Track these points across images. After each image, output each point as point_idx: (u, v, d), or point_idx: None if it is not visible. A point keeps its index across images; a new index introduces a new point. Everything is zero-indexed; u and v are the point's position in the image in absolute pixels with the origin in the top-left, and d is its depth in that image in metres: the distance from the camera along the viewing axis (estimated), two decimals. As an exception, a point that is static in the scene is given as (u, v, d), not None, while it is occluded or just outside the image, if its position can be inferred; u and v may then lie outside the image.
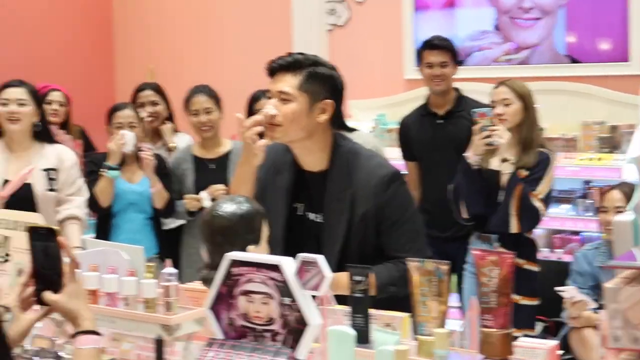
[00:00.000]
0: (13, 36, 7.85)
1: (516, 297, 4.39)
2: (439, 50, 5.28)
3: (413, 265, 2.16)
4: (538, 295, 4.62)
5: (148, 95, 5.77)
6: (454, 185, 4.69)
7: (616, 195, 4.63)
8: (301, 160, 3.14)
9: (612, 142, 6.04)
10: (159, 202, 5.08)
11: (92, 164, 5.16)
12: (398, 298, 2.95)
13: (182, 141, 5.88)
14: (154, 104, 5.72)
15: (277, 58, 3.06)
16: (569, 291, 4.45)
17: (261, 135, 3.03)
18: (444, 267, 2.11)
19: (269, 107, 3.01)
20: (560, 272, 4.96)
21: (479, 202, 4.59)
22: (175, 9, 8.43)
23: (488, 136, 4.47)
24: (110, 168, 4.96)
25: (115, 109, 5.19)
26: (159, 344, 2.24)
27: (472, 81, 6.03)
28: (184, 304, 2.64)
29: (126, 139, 4.98)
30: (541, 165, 4.58)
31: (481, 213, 4.62)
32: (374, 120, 6.92)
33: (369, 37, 7.36)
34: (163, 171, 5.17)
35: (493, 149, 4.54)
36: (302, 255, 2.17)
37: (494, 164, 4.62)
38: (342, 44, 7.51)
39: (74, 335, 2.06)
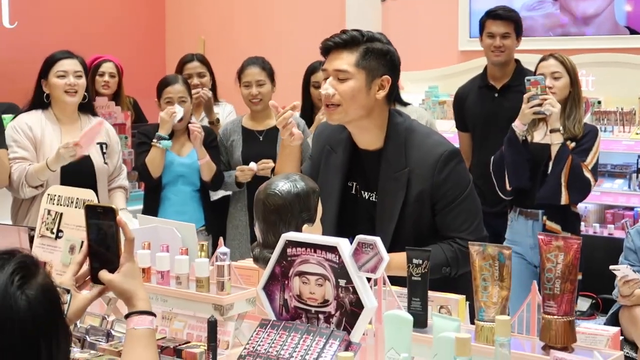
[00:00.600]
0: (66, 9, 7.88)
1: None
2: (502, 21, 5.18)
3: (474, 249, 2.10)
4: (582, 270, 4.55)
5: (195, 66, 5.78)
6: (498, 156, 4.62)
7: None
8: (357, 138, 3.09)
9: (670, 115, 5.91)
10: (207, 174, 5.07)
11: (143, 136, 5.16)
12: (451, 278, 2.91)
13: (225, 111, 5.89)
14: (200, 75, 5.75)
15: (332, 36, 2.99)
16: (622, 269, 4.35)
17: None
18: (507, 251, 2.05)
19: (327, 87, 2.95)
20: (611, 248, 4.89)
21: (524, 174, 4.52)
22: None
23: (539, 104, 4.40)
24: (162, 138, 4.95)
25: (165, 84, 5.16)
26: (212, 325, 2.21)
27: (528, 53, 5.91)
28: (235, 282, 2.61)
29: (177, 110, 4.97)
30: (589, 136, 4.52)
31: (526, 186, 4.53)
32: (426, 92, 6.84)
33: (423, 8, 7.27)
34: (212, 143, 5.16)
35: (541, 118, 4.47)
36: (360, 237, 2.12)
37: (538, 137, 4.55)
38: (396, 15, 7.43)
39: (128, 315, 2.04)
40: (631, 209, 5.92)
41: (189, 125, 5.03)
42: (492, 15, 5.24)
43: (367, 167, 3.07)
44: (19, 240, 2.98)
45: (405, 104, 4.69)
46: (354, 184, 3.11)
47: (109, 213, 2.07)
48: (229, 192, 5.36)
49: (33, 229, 2.96)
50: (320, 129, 3.28)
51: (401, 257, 2.47)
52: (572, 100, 4.56)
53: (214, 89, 5.87)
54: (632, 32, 6.40)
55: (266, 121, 5.24)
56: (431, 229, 3.01)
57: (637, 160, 5.95)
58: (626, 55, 6.31)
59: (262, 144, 5.17)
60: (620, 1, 6.46)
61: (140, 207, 5.20)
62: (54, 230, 2.84)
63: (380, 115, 3.02)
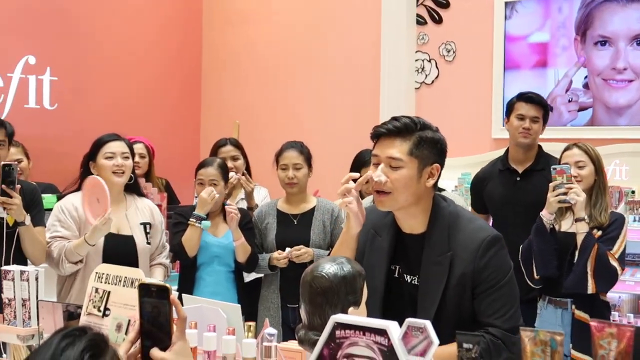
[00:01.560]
0: (104, 91, 8.02)
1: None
2: (533, 105, 5.21)
3: (526, 334, 2.10)
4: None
5: (229, 150, 5.88)
6: (526, 245, 4.62)
7: None
8: (401, 223, 3.11)
9: None
10: (242, 256, 5.09)
11: (179, 216, 5.21)
12: None
13: (259, 194, 5.96)
14: (234, 158, 5.84)
15: (385, 122, 3.01)
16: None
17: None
18: (559, 337, 2.05)
19: (379, 174, 2.97)
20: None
21: (551, 263, 4.53)
22: (266, 65, 8.53)
23: (564, 193, 4.43)
24: (201, 218, 5.00)
25: (200, 166, 5.25)
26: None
27: (559, 142, 5.94)
28: (280, 364, 2.61)
29: (216, 192, 5.03)
30: (616, 224, 4.53)
31: (553, 275, 4.53)
32: (459, 179, 6.87)
33: (456, 94, 7.35)
34: (247, 225, 5.20)
35: (566, 206, 4.50)
36: (409, 320, 2.13)
37: (565, 226, 4.57)
38: (429, 101, 7.51)
39: None
40: (667, 301, 5.88)
41: (226, 206, 5.08)
42: (524, 98, 5.27)
43: (411, 250, 3.09)
44: (53, 317, 3.01)
45: (440, 190, 4.69)
46: (397, 267, 3.12)
47: (163, 292, 2.10)
48: (261, 275, 5.37)
49: (79, 307, 2.99)
50: (367, 211, 3.30)
51: (445, 348, 2.47)
52: (598, 188, 4.58)
53: (248, 172, 5.95)
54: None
55: (301, 205, 5.28)
56: (472, 314, 3.00)
57: (672, 250, 5.93)
58: (659, 145, 6.34)
59: (296, 227, 5.20)
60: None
61: (175, 287, 5.22)
62: (101, 309, 2.86)
63: (427, 201, 3.05)
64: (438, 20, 7.54)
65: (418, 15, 7.62)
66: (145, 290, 2.12)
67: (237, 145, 6.00)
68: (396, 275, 3.12)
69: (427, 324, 2.12)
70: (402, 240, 3.12)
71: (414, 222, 3.07)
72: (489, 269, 2.97)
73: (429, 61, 7.56)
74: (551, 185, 4.50)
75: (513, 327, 2.93)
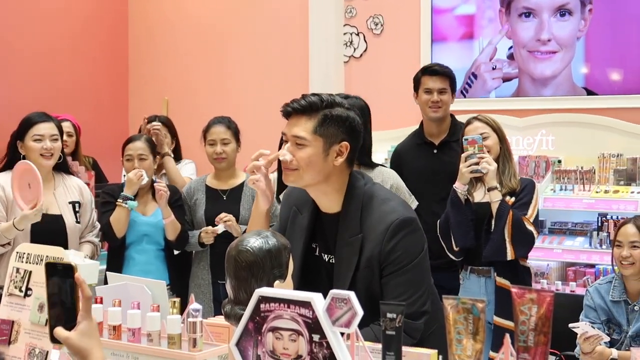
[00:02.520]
0: (31, 67, 7.88)
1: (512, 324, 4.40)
2: (439, 76, 5.19)
3: (449, 302, 2.11)
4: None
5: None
6: (443, 219, 4.67)
7: (630, 230, 4.57)
8: (317, 201, 3.10)
9: (629, 174, 6.01)
10: (172, 234, 5.06)
11: (107, 195, 5.16)
12: (425, 335, 2.92)
13: (187, 169, 5.92)
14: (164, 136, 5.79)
15: (292, 101, 2.98)
16: (581, 326, 4.39)
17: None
18: (480, 304, 2.07)
19: (284, 153, 2.96)
20: (573, 305, 4.91)
21: (469, 234, 4.58)
22: (192, 41, 8.45)
23: (476, 163, 4.48)
24: (128, 198, 4.95)
25: (127, 141, 5.21)
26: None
27: (488, 112, 6.00)
28: (206, 339, 2.60)
29: (144, 172, 4.98)
30: (527, 190, 4.61)
31: (472, 245, 4.59)
32: (388, 151, 6.89)
33: (385, 68, 7.37)
34: (177, 202, 5.16)
35: (477, 177, 4.57)
36: (333, 292, 2.13)
37: (478, 197, 4.64)
38: (358, 75, 7.52)
39: None
40: (592, 266, 5.97)
41: (155, 184, 5.04)
42: (429, 71, 5.26)
43: (328, 229, 3.09)
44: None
45: (374, 166, 4.63)
46: (315, 244, 3.13)
47: (68, 270, 2.06)
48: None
49: (1, 288, 2.94)
50: (289, 190, 3.28)
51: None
52: (504, 156, 4.65)
53: (177, 149, 5.91)
54: (590, 93, 6.52)
55: (230, 180, 5.26)
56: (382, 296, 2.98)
57: (598, 218, 6.02)
58: (585, 115, 6.43)
59: (225, 203, 5.17)
60: (577, 64, 6.59)
61: (104, 267, 5.17)
62: (23, 289, 2.81)
63: (339, 179, 3.02)
64: (370, -6, 7.55)
65: (345, -11, 7.62)
66: (52, 268, 2.09)
67: (166, 123, 5.96)
68: (317, 253, 3.13)
69: (351, 295, 2.12)
70: (320, 219, 3.11)
71: (328, 201, 3.06)
72: (395, 252, 2.94)
73: (357, 35, 7.56)
74: (463, 156, 4.54)
75: (415, 312, 2.94)
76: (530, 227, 4.50)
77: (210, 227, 5.07)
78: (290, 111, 2.96)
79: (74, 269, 2.06)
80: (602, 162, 6.14)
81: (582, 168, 6.14)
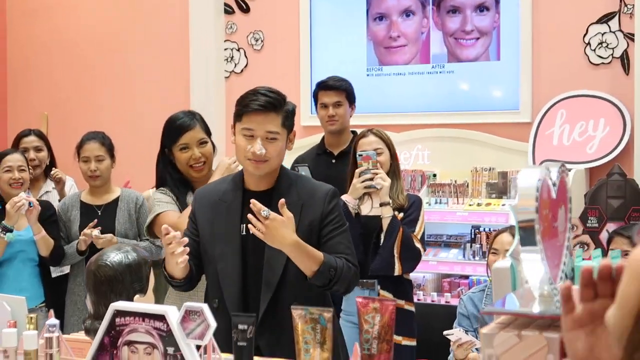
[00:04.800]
0: None
1: (398, 338, 4.50)
2: (333, 91, 5.30)
3: (297, 313, 2.16)
4: (418, 336, 4.71)
5: (31, 140, 5.76)
6: None
7: (506, 238, 4.71)
8: (253, 182, 3.33)
9: (499, 188, 6.17)
10: (44, 250, 4.99)
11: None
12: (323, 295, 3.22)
13: (66, 185, 5.87)
14: (37, 149, 5.70)
15: (256, 98, 3.25)
16: (455, 333, 4.50)
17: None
18: (327, 314, 2.12)
19: (259, 147, 3.19)
20: (448, 316, 5.02)
21: (358, 248, 4.62)
22: (70, 55, 8.33)
23: (370, 179, 4.55)
24: (7, 230, 4.87)
25: (3, 154, 5.13)
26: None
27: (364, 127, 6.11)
28: (67, 355, 2.59)
29: (23, 201, 4.88)
30: (414, 206, 4.69)
31: (360, 259, 4.65)
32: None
33: (266, 83, 7.30)
34: (51, 218, 5.09)
35: (370, 192, 4.62)
36: (187, 305, 2.16)
37: (365, 210, 4.69)
38: (240, 90, 7.41)
39: None
40: (466, 277, 6.11)
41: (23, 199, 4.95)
42: (323, 86, 5.35)
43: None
44: None
45: None
46: (246, 225, 3.21)
47: None
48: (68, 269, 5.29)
49: None
50: (201, 191, 3.49)
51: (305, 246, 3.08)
52: (393, 172, 4.71)
53: (52, 163, 5.83)
54: (464, 108, 6.68)
55: (105, 196, 5.21)
56: None
57: (471, 230, 6.17)
58: (459, 130, 6.58)
59: (100, 218, 5.11)
60: (452, 79, 6.76)
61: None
62: None
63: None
64: (246, 10, 7.57)
65: (226, 5, 7.63)
66: None
67: (41, 135, 5.87)
68: (242, 233, 3.27)
69: (204, 307, 2.15)
70: (248, 198, 3.22)
71: (264, 180, 3.32)
72: (334, 213, 3.30)
73: (238, 50, 7.59)
74: (357, 171, 4.59)
75: (358, 262, 3.36)
76: (418, 244, 4.58)
77: (86, 230, 5.00)
78: (260, 108, 3.22)
79: None
80: (475, 176, 6.30)
81: (455, 182, 6.28)
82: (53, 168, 5.79)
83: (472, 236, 6.14)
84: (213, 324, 2.13)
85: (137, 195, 5.20)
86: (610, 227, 5.36)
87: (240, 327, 2.27)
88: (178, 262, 2.98)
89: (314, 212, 3.27)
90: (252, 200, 3.05)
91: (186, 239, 3.05)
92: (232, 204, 3.32)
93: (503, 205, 6.01)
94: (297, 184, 3.34)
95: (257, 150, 3.18)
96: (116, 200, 5.18)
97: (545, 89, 6.37)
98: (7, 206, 4.87)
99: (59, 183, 5.76)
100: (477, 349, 4.54)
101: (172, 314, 2.17)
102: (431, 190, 6.32)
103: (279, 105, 3.25)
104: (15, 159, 5.11)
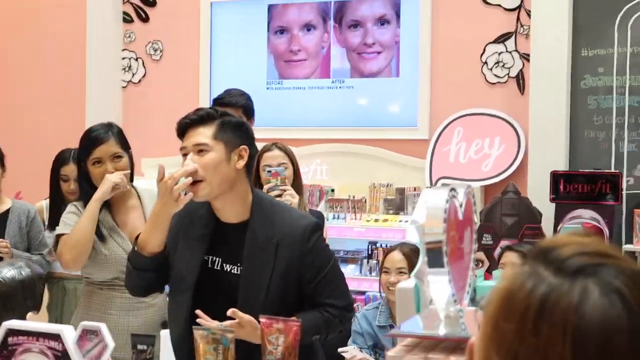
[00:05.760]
0: None
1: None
2: (230, 107, 5.17)
3: (199, 333, 2.12)
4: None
5: None
6: None
7: (397, 256, 4.74)
8: (220, 213, 3.09)
9: (397, 204, 6.23)
10: None
11: None
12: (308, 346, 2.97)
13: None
14: None
15: (187, 115, 3.04)
16: (350, 350, 4.50)
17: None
18: (230, 335, 2.09)
19: (188, 162, 2.95)
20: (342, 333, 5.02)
21: None
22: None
23: (278, 195, 4.50)
24: None
25: None
26: None
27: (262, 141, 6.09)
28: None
29: None
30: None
31: None
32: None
33: (164, 94, 7.32)
34: None
35: None
36: (84, 324, 2.10)
37: None
38: (137, 100, 7.45)
39: None
40: (363, 293, 6.12)
41: None
42: (218, 102, 5.21)
43: (231, 239, 3.08)
44: None
45: None
46: (214, 257, 3.09)
47: None
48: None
49: None
50: (184, 207, 3.20)
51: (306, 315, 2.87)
52: (297, 188, 4.65)
53: None
54: (362, 124, 6.73)
55: (-4, 206, 5.06)
56: (296, 299, 3.06)
57: (368, 246, 6.20)
58: (357, 145, 6.62)
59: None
60: (350, 95, 6.80)
61: None
62: None
63: (242, 186, 3.07)
64: (145, 19, 7.49)
65: (124, 13, 7.53)
66: None
67: None
68: (210, 265, 3.09)
69: (102, 326, 2.09)
70: (221, 230, 3.10)
71: (233, 211, 3.08)
72: (315, 252, 3.05)
73: (136, 60, 7.49)
74: (265, 187, 4.52)
75: (348, 305, 3.15)
76: None
77: None
78: (189, 123, 3.01)
79: None
80: (373, 192, 6.34)
81: (354, 197, 6.31)
82: None
83: (369, 252, 6.18)
84: (111, 344, 2.07)
85: (29, 208, 5.06)
86: (504, 244, 5.44)
87: (140, 347, 2.22)
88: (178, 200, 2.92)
89: (291, 251, 3.02)
90: (198, 312, 2.84)
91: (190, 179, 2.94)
92: (200, 233, 3.11)
93: (400, 221, 6.06)
94: (274, 216, 3.09)
95: (185, 165, 2.96)
96: (7, 212, 5.02)
97: (443, 106, 6.46)
98: None
99: None
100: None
101: (68, 333, 2.10)
102: (329, 206, 6.33)
103: (208, 119, 3.03)
104: None
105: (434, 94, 6.53)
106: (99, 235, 3.80)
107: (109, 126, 3.99)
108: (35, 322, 2.31)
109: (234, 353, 2.09)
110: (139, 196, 4.00)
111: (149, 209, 3.75)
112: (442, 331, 1.77)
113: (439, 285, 1.78)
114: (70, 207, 3.97)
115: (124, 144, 3.98)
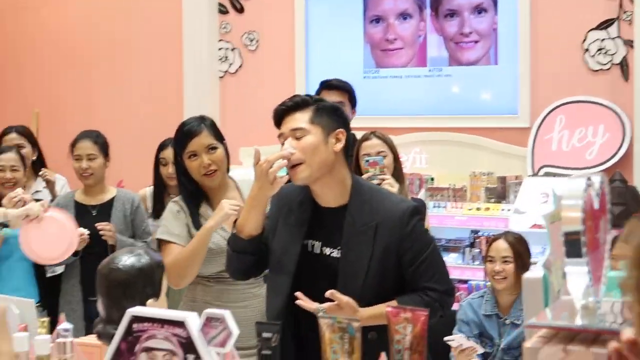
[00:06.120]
0: None
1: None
2: (337, 91, 5.18)
3: (324, 322, 2.11)
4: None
5: (12, 138, 5.65)
6: None
7: (502, 245, 4.70)
8: (320, 197, 3.13)
9: (499, 192, 6.16)
10: None
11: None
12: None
13: (57, 184, 5.79)
14: (19, 147, 5.56)
15: (283, 102, 3.10)
16: (456, 339, 4.48)
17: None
18: (356, 324, 2.07)
19: (287, 147, 3.01)
20: (447, 321, 4.98)
21: None
22: (65, 52, 8.24)
23: (378, 184, 4.47)
24: (3, 225, 4.79)
25: None
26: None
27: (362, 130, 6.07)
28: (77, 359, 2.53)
29: (20, 196, 4.80)
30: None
31: None
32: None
33: (261, 84, 7.36)
34: (45, 216, 5.02)
35: None
36: (208, 311, 2.10)
37: None
38: (234, 90, 7.49)
39: None
40: (465, 282, 6.08)
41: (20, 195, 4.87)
42: (327, 85, 5.22)
43: (330, 223, 3.10)
44: None
45: None
46: (313, 242, 3.13)
47: None
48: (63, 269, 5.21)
49: None
50: (280, 190, 3.23)
51: (373, 309, 2.86)
52: (397, 176, 4.61)
53: (41, 161, 5.74)
54: (463, 112, 6.66)
55: (100, 195, 5.12)
56: (395, 283, 3.06)
57: (470, 234, 6.15)
58: (457, 134, 6.56)
59: (95, 218, 5.01)
60: (450, 83, 6.74)
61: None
62: None
63: (340, 170, 3.10)
64: (240, 9, 7.52)
65: (220, 5, 7.58)
66: None
67: (24, 133, 5.76)
68: (309, 249, 3.13)
69: (226, 314, 2.09)
70: (319, 214, 3.13)
71: (332, 194, 3.11)
72: (414, 236, 3.05)
73: (232, 50, 7.53)
74: (364, 177, 4.50)
75: (448, 289, 3.11)
76: None
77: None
78: (284, 109, 3.08)
79: None
80: (473, 180, 6.28)
81: (454, 186, 6.26)
82: (42, 169, 5.69)
83: (471, 240, 6.11)
84: (235, 331, 2.07)
85: (134, 197, 5.13)
86: (612, 233, 5.33)
87: (265, 335, 2.22)
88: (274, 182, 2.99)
89: (390, 235, 3.03)
90: (298, 294, 2.92)
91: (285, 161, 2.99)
92: (300, 218, 3.14)
93: (502, 210, 5.99)
94: (373, 201, 3.09)
95: (284, 150, 3.01)
96: (111, 201, 5.10)
97: (543, 93, 6.36)
98: (4, 201, 4.79)
99: (49, 184, 5.66)
100: (478, 355, 4.52)
101: (192, 320, 2.11)
102: (429, 194, 6.28)
103: (303, 105, 3.08)
104: (8, 158, 5.04)
105: (534, 81, 6.43)
106: None
107: (202, 119, 3.97)
108: (159, 309, 2.33)
109: (360, 342, 2.08)
110: (237, 187, 3.98)
111: None
112: (579, 322, 1.73)
113: (576, 276, 1.73)
114: (171, 206, 3.94)
115: (218, 135, 3.94)
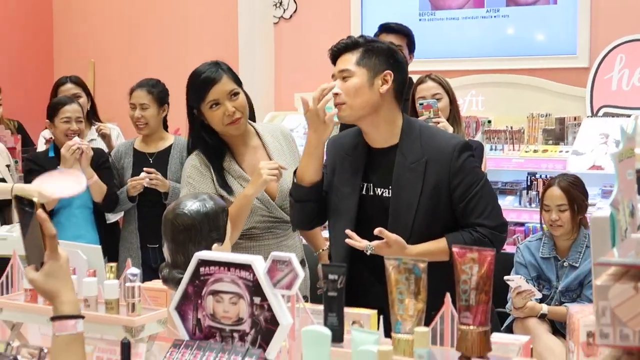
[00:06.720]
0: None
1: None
2: (396, 34, 5.14)
3: (390, 263, 2.12)
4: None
5: (69, 88, 5.71)
6: None
7: (556, 192, 4.65)
8: (370, 137, 3.18)
9: (557, 134, 6.09)
10: (98, 195, 4.98)
11: (31, 163, 5.06)
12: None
13: (112, 134, 5.84)
14: (76, 96, 5.60)
15: (337, 43, 3.16)
16: (515, 280, 4.47)
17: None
18: (422, 264, 2.08)
19: (335, 88, 3.08)
20: (504, 264, 4.96)
21: None
22: (117, 1, 8.27)
23: None
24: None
25: (61, 104, 5.10)
26: (126, 347, 2.17)
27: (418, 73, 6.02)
28: (144, 304, 2.57)
29: (78, 144, 4.86)
30: (477, 153, 4.59)
31: None
32: (321, 112, 6.87)
33: (315, 29, 7.33)
34: (104, 164, 5.09)
35: None
36: (274, 254, 2.12)
37: None
38: (289, 36, 7.47)
39: (52, 319, 1.96)
40: (522, 224, 6.05)
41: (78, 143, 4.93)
42: (386, 28, 5.20)
43: (382, 164, 3.15)
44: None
45: None
46: (368, 184, 3.18)
47: (32, 206, 1.96)
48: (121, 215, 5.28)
49: None
50: (334, 137, 3.35)
51: (422, 247, 2.96)
52: (453, 118, 4.61)
53: (93, 110, 5.79)
54: (520, 53, 6.58)
55: (158, 143, 5.17)
56: (446, 221, 3.10)
57: (527, 177, 6.10)
58: (513, 75, 6.49)
59: (152, 165, 5.05)
60: (506, 25, 6.64)
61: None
62: None
63: (389, 111, 3.13)
64: (294, -46, 7.49)
65: (274, -51, 7.55)
66: (20, 202, 2.00)
67: (79, 82, 5.81)
68: (364, 192, 3.18)
69: (292, 257, 2.11)
70: (372, 156, 3.18)
71: (381, 134, 3.15)
72: (464, 171, 3.08)
73: (286, -5, 7.52)
74: (420, 119, 4.49)
75: (499, 225, 3.12)
76: None
77: (135, 177, 4.99)
78: (336, 51, 3.14)
79: (35, 204, 1.96)
80: (531, 122, 6.22)
81: (511, 128, 6.21)
82: (98, 123, 5.74)
83: (528, 183, 6.07)
84: (301, 274, 2.09)
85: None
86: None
87: (331, 277, 2.23)
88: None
89: (440, 170, 3.06)
90: (348, 232, 2.97)
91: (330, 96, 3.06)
92: (355, 161, 3.19)
93: (560, 151, 5.93)
94: (423, 138, 3.12)
95: (333, 90, 3.08)
96: (169, 149, 5.15)
97: (603, 33, 6.26)
98: (62, 150, 4.86)
99: (105, 137, 5.71)
100: (535, 299, 4.51)
101: (259, 263, 2.12)
102: (486, 137, 6.23)
103: (354, 46, 3.11)
104: (73, 109, 5.09)
105: (593, 20, 6.32)
106: (227, 189, 3.63)
107: (217, 64, 3.70)
108: (226, 253, 2.35)
109: (426, 283, 2.08)
110: (257, 133, 3.80)
111: (271, 146, 3.73)
112: (650, 260, 1.71)
113: (647, 213, 1.72)
114: (193, 161, 3.69)
115: (237, 80, 3.69)
